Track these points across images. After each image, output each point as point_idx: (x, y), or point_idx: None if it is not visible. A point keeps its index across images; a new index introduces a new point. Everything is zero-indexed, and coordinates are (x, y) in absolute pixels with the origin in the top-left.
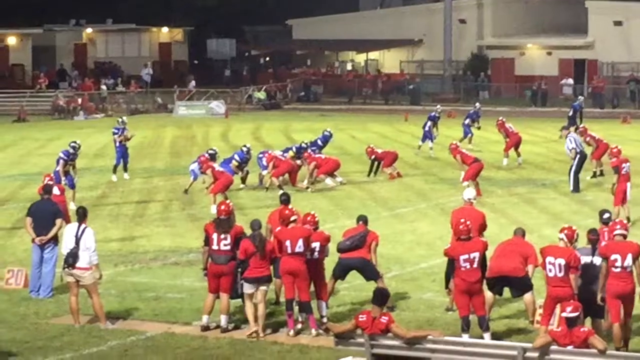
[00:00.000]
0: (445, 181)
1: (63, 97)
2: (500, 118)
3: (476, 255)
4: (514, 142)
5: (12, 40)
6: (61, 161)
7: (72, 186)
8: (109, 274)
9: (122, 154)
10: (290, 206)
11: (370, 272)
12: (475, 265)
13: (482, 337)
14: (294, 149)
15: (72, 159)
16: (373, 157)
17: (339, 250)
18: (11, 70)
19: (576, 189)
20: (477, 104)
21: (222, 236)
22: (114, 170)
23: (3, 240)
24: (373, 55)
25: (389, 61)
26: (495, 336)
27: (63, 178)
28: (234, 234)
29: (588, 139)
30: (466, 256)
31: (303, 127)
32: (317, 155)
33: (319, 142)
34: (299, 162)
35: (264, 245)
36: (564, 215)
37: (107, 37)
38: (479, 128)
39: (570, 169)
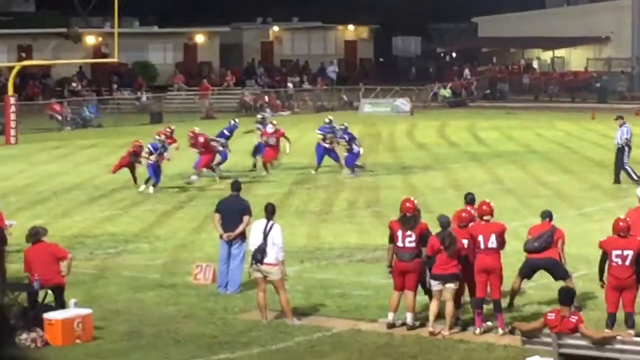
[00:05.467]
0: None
1: (250, 94)
2: None
3: (630, 252)
4: None
5: (200, 39)
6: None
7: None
8: (296, 270)
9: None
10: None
11: (559, 271)
12: (627, 263)
13: None
14: None
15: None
16: None
17: (527, 250)
18: (199, 67)
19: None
20: None
21: (408, 233)
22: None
23: (192, 236)
24: (559, 52)
25: (576, 59)
26: None
27: None
28: (419, 231)
29: None
30: (619, 252)
31: (489, 125)
32: None
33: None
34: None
35: (454, 244)
36: None
37: (293, 35)
38: None
39: (618, 161)
